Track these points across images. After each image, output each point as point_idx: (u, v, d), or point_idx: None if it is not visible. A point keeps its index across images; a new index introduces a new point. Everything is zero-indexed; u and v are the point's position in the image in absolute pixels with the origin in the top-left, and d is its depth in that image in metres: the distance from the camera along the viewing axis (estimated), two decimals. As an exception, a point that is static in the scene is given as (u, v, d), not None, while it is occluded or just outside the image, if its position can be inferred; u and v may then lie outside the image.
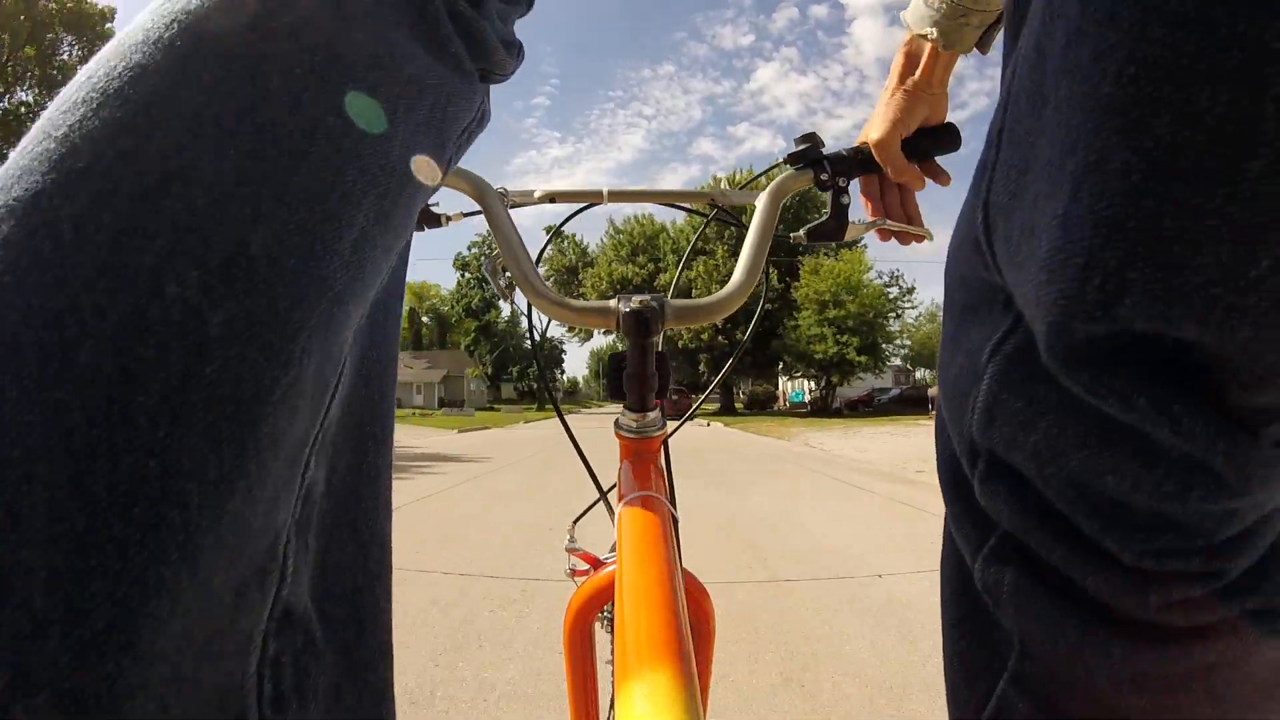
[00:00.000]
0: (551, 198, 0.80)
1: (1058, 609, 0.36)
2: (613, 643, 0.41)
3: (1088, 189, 0.26)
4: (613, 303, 0.56)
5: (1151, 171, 0.24)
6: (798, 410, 38.96)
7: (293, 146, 0.34)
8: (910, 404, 29.94)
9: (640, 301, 0.55)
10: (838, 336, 29.98)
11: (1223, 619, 0.33)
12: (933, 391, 18.84)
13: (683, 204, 0.86)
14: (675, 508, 0.62)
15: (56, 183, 0.30)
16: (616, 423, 0.63)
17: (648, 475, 0.58)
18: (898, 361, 39.64)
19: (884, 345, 33.29)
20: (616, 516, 0.53)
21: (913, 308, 36.62)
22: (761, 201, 0.71)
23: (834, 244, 0.80)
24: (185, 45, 0.33)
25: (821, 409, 32.99)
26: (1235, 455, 0.28)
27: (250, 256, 0.31)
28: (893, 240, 0.82)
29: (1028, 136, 0.32)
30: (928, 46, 0.69)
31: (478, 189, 0.71)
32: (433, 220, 0.78)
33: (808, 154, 0.75)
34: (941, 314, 0.46)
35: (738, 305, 0.62)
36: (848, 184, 0.76)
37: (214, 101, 0.32)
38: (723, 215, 0.84)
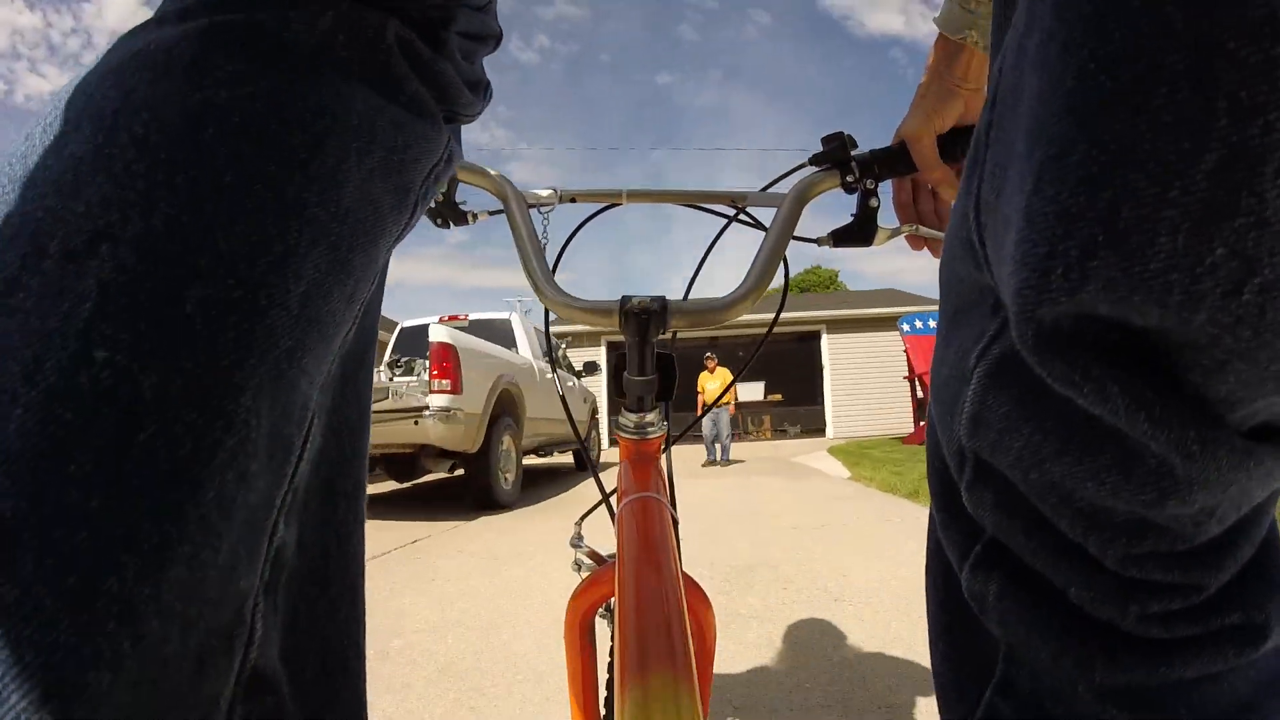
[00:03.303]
0: (571, 198, 0.80)
1: (1041, 618, 0.37)
2: (613, 641, 0.42)
3: (1049, 180, 0.27)
4: (615, 302, 0.57)
5: (1110, 163, 0.25)
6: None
7: (230, 199, 0.33)
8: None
9: (641, 302, 0.55)
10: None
11: (1203, 633, 0.34)
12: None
13: (704, 205, 0.85)
14: (675, 509, 0.62)
15: None
16: (616, 422, 0.63)
17: (647, 476, 0.58)
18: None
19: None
20: (616, 517, 0.54)
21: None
22: (785, 203, 0.70)
23: (862, 249, 0.78)
24: (114, 99, 0.33)
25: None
26: (1207, 445, 0.28)
27: (185, 315, 0.30)
28: (925, 250, 0.80)
29: (1010, 133, 0.32)
30: (964, 48, 0.68)
31: (499, 188, 0.73)
32: (459, 217, 0.79)
33: (833, 154, 0.73)
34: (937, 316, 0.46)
35: (746, 309, 0.61)
36: (876, 186, 0.74)
37: (144, 155, 0.32)
38: (744, 217, 0.83)
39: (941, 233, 0.76)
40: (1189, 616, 0.34)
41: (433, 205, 0.77)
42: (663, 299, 0.56)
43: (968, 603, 0.41)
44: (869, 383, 16.24)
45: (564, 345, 10.92)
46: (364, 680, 0.47)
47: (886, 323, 16.34)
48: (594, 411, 10.89)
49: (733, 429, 10.84)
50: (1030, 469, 0.34)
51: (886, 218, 0.76)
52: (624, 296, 0.56)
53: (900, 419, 16.20)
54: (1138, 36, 0.24)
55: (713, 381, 10.54)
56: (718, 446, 10.62)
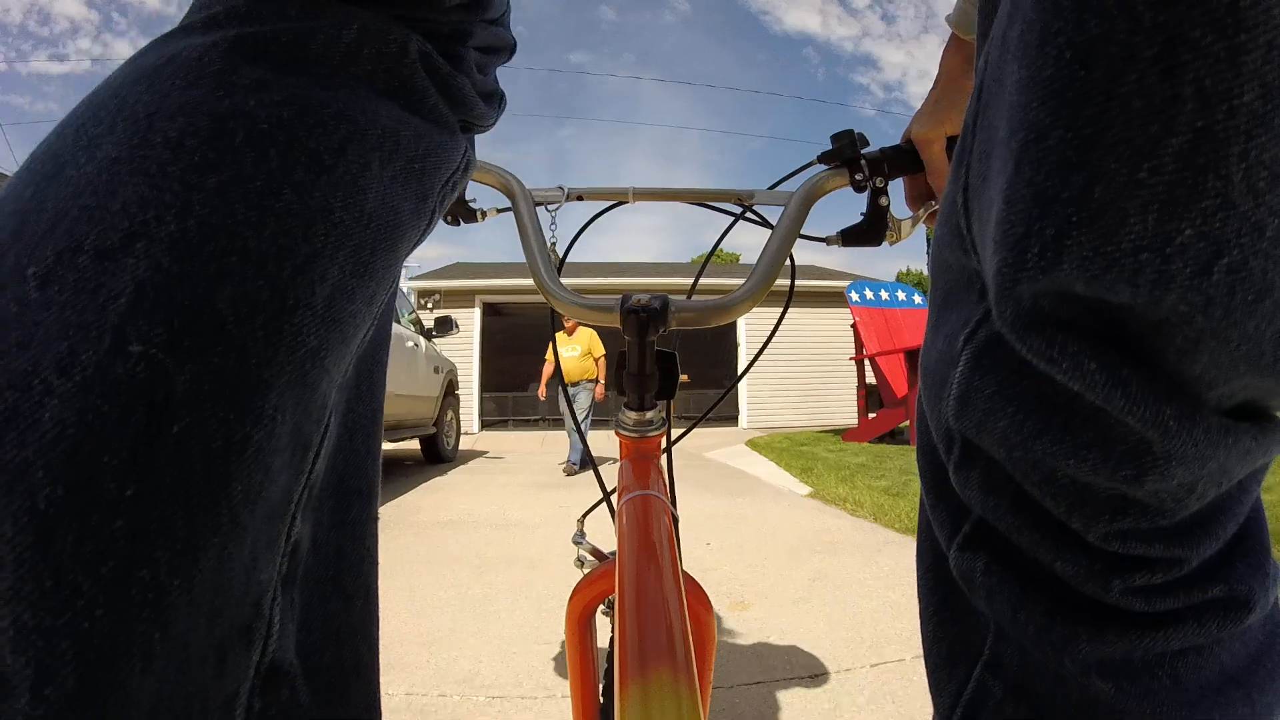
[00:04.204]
0: (578, 196, 0.80)
1: (1027, 594, 0.38)
2: (613, 638, 0.43)
3: (1028, 163, 0.28)
4: (617, 300, 0.57)
5: (1083, 146, 0.26)
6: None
7: (259, 201, 0.34)
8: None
9: (641, 301, 0.55)
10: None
11: (1186, 606, 0.35)
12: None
13: (711, 203, 0.84)
14: (675, 507, 0.64)
15: (22, 240, 0.30)
16: (617, 421, 0.63)
17: (647, 474, 0.59)
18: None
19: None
20: (616, 515, 0.55)
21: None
22: (793, 201, 0.69)
23: (874, 247, 0.75)
24: (148, 104, 0.34)
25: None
26: (1183, 421, 0.30)
27: (217, 313, 0.31)
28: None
29: (994, 120, 0.33)
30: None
31: (507, 186, 0.74)
32: (469, 215, 0.79)
33: (842, 153, 0.72)
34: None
35: (750, 308, 0.61)
36: (886, 185, 0.73)
37: (178, 158, 0.33)
38: (752, 216, 0.82)
39: None
40: (1171, 590, 0.35)
41: None
42: (664, 298, 0.56)
43: (957, 584, 0.43)
44: (794, 366, 13.85)
45: (430, 303, 7.98)
46: (378, 676, 0.48)
47: (817, 297, 14.15)
48: (451, 386, 8.03)
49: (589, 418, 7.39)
50: (1014, 447, 0.35)
51: (898, 211, 0.75)
52: (624, 295, 0.56)
53: (831, 409, 13.98)
54: (1110, 26, 0.25)
55: (570, 347, 7.11)
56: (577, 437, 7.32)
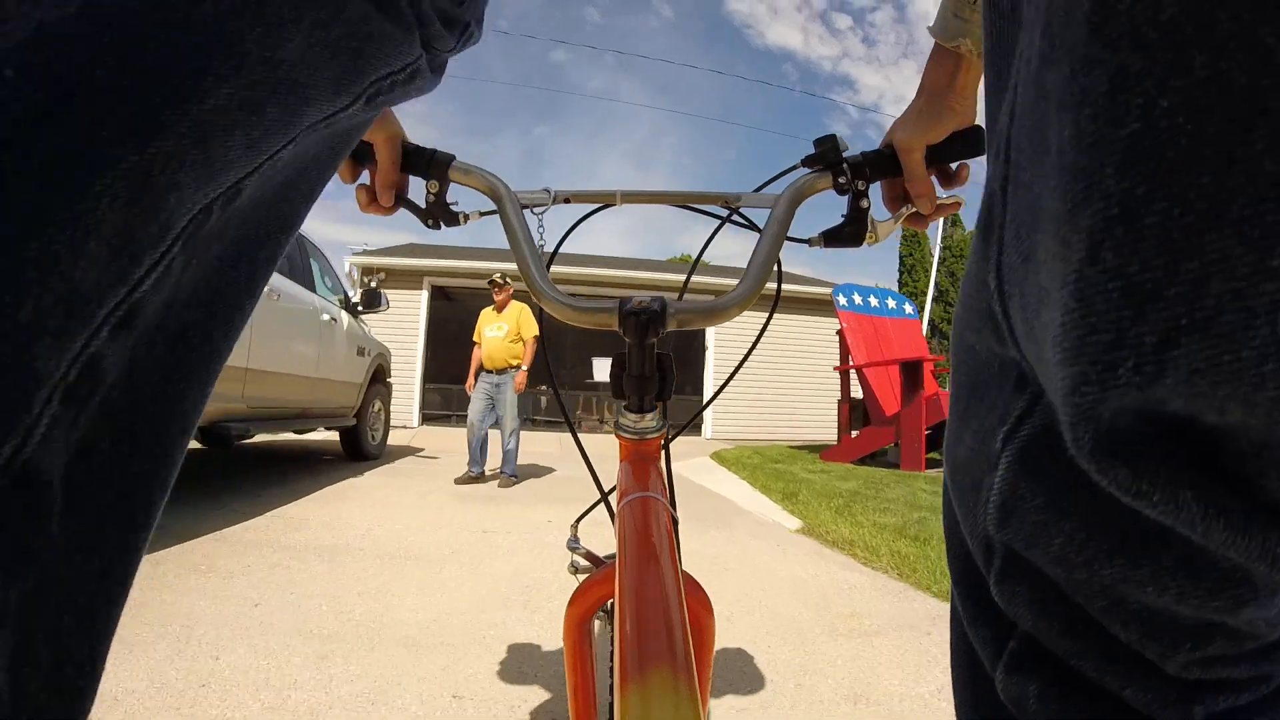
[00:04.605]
0: (565, 199, 0.79)
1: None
2: (613, 640, 0.41)
3: (1110, 248, 0.23)
4: (615, 303, 0.57)
5: (1197, 226, 0.21)
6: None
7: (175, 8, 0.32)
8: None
9: (642, 303, 0.56)
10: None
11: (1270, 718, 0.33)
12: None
13: (698, 206, 0.83)
14: (675, 509, 0.62)
15: None
16: (616, 423, 0.63)
17: (647, 476, 0.59)
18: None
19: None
20: (616, 517, 0.54)
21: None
22: (780, 204, 0.70)
23: (855, 248, 0.76)
24: None
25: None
26: None
27: (90, 80, 0.30)
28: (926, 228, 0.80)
29: (1034, 188, 0.28)
30: (960, 57, 0.67)
31: (492, 189, 0.74)
32: (451, 218, 0.78)
33: (826, 156, 0.73)
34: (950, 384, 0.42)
35: (744, 309, 0.61)
36: (867, 188, 0.74)
37: None
38: (738, 218, 0.82)
39: (941, 200, 0.74)
40: (1257, 709, 0.32)
41: (423, 206, 0.77)
42: (662, 299, 0.57)
43: (1002, 704, 0.38)
44: (765, 375, 12.85)
45: (373, 281, 6.73)
46: (141, 551, 0.41)
47: (796, 303, 13.24)
48: (380, 372, 6.91)
49: (521, 416, 5.99)
50: (1075, 569, 0.31)
51: (876, 214, 0.76)
52: (622, 299, 0.57)
53: (804, 423, 13.08)
54: (1231, 65, 0.20)
55: (495, 326, 5.75)
56: (486, 438, 5.77)
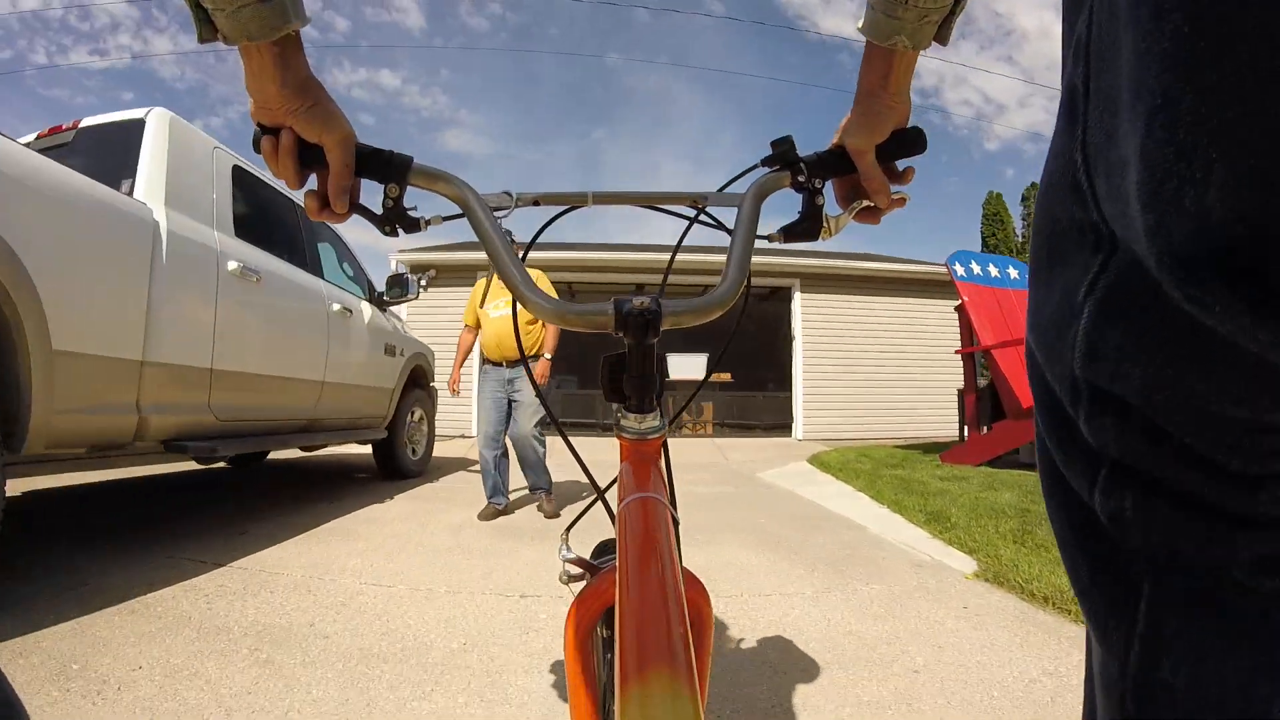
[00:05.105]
0: (534, 201, 0.79)
1: (1181, 513, 0.39)
2: (613, 642, 0.42)
3: (1160, 125, 0.30)
4: (611, 305, 0.57)
5: (1210, 106, 0.28)
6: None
7: None
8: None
9: (640, 303, 0.56)
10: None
11: None
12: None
13: (666, 206, 0.84)
14: (675, 509, 0.62)
15: None
16: (617, 424, 0.63)
17: (648, 476, 0.59)
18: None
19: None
20: (617, 517, 0.55)
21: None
22: (746, 202, 0.72)
23: (811, 242, 0.80)
24: None
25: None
26: None
27: None
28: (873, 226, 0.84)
29: (1111, 85, 0.35)
30: (894, 54, 0.69)
31: (459, 193, 0.72)
32: (411, 224, 0.74)
33: (785, 156, 0.77)
34: (1029, 256, 0.48)
35: (731, 304, 0.62)
36: (822, 185, 0.77)
37: None
38: (706, 217, 0.84)
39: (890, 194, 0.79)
40: None
41: (379, 213, 0.72)
42: (656, 299, 0.57)
43: (1100, 537, 0.43)
44: (859, 364, 11.46)
45: (424, 279, 5.47)
46: None
47: (887, 284, 11.78)
48: (419, 375, 5.87)
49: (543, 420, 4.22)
50: (1155, 390, 0.36)
51: (829, 210, 0.79)
52: (618, 301, 0.56)
53: (912, 416, 11.53)
54: (1238, 9, 0.27)
55: (505, 302, 4.12)
56: (506, 456, 4.20)
